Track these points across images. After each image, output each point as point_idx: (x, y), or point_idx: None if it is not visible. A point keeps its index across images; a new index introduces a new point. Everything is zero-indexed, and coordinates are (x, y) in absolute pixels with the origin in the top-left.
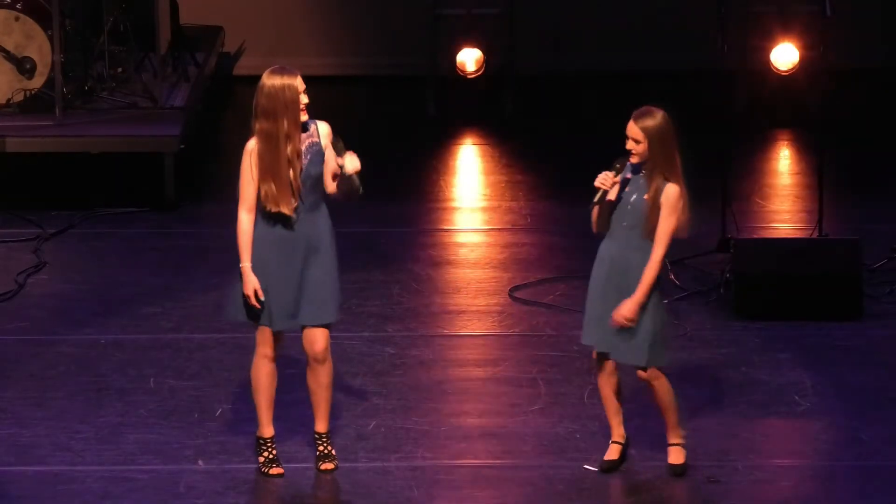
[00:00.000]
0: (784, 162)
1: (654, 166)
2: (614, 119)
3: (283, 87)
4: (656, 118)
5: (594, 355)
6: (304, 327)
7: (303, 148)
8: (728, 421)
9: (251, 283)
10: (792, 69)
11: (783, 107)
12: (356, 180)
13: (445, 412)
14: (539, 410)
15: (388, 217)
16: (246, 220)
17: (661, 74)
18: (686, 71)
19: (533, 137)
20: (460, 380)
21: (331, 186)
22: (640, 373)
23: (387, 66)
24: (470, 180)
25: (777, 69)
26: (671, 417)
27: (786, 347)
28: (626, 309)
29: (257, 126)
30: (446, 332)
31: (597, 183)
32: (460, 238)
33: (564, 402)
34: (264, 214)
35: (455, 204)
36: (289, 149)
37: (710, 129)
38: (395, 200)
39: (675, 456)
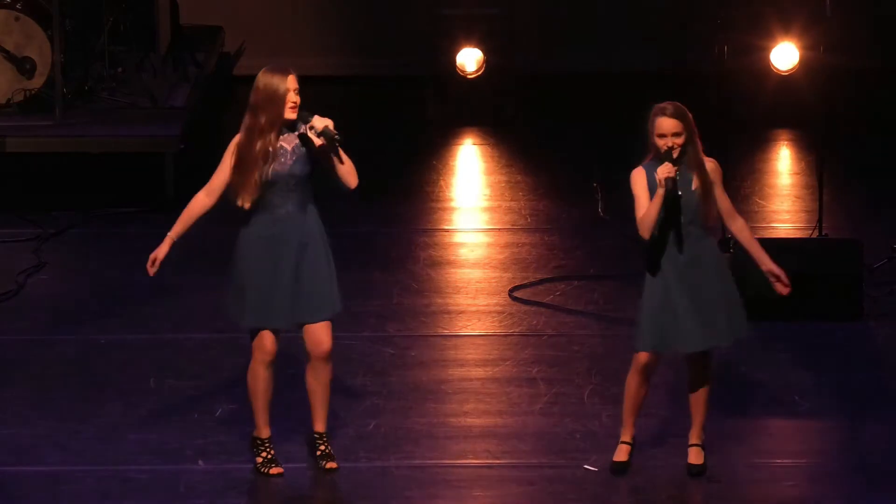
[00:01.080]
0: (784, 162)
1: (693, 154)
2: (614, 119)
3: (267, 83)
4: (680, 107)
5: (643, 357)
6: (304, 326)
7: (290, 147)
8: (728, 421)
9: (157, 250)
10: (792, 69)
11: (783, 107)
12: (330, 132)
13: (445, 412)
14: (539, 410)
15: (388, 217)
16: (199, 199)
17: (661, 74)
18: (686, 71)
19: (533, 137)
20: (460, 380)
21: (340, 171)
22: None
23: (387, 66)
24: (470, 180)
25: (777, 69)
26: (704, 416)
27: (786, 347)
28: (781, 274)
29: (245, 120)
30: (446, 332)
31: (665, 174)
32: (460, 238)
33: (564, 402)
34: (250, 213)
35: (455, 204)
36: (259, 145)
37: (710, 129)
38: (395, 200)
39: (697, 456)
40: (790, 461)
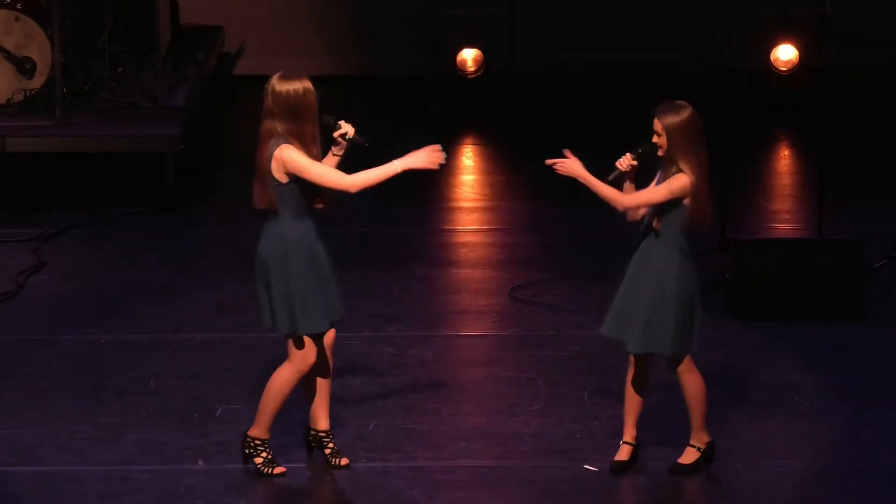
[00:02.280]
0: (784, 162)
1: (672, 161)
2: (614, 119)
3: (304, 91)
4: (679, 114)
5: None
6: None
7: None
8: (728, 421)
9: (418, 154)
10: (792, 69)
11: (783, 107)
12: (360, 139)
13: (445, 412)
14: (539, 410)
15: (388, 217)
16: (354, 175)
17: (661, 74)
18: (686, 71)
19: (533, 137)
20: (460, 380)
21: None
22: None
23: (387, 66)
24: (470, 180)
25: (777, 69)
26: (695, 417)
27: (786, 347)
28: (571, 163)
29: (284, 127)
30: (446, 332)
31: (618, 162)
32: (460, 238)
33: (564, 402)
34: (292, 220)
35: (455, 204)
36: (314, 150)
37: (710, 129)
38: (396, 200)
39: (685, 456)
40: (790, 461)
